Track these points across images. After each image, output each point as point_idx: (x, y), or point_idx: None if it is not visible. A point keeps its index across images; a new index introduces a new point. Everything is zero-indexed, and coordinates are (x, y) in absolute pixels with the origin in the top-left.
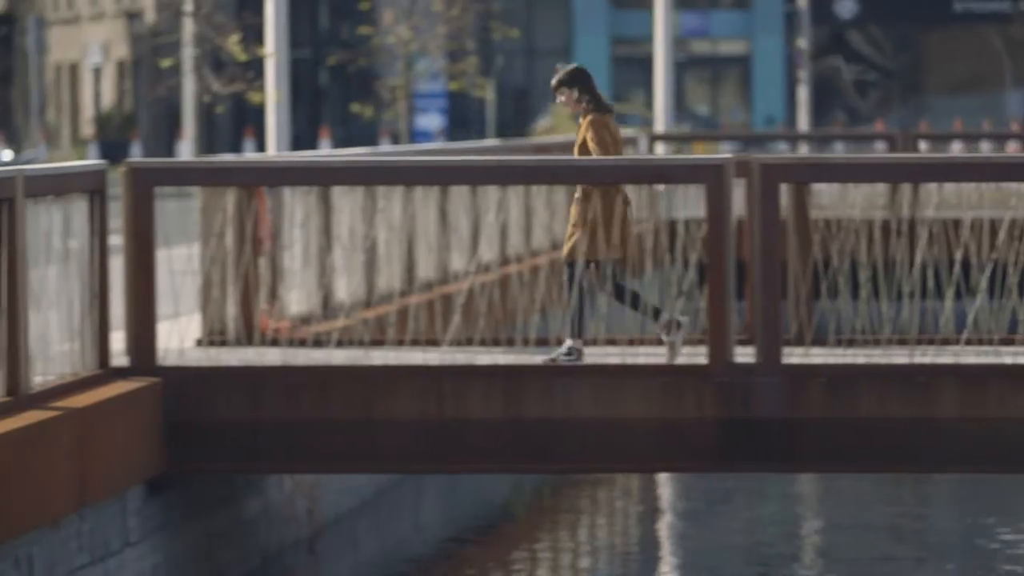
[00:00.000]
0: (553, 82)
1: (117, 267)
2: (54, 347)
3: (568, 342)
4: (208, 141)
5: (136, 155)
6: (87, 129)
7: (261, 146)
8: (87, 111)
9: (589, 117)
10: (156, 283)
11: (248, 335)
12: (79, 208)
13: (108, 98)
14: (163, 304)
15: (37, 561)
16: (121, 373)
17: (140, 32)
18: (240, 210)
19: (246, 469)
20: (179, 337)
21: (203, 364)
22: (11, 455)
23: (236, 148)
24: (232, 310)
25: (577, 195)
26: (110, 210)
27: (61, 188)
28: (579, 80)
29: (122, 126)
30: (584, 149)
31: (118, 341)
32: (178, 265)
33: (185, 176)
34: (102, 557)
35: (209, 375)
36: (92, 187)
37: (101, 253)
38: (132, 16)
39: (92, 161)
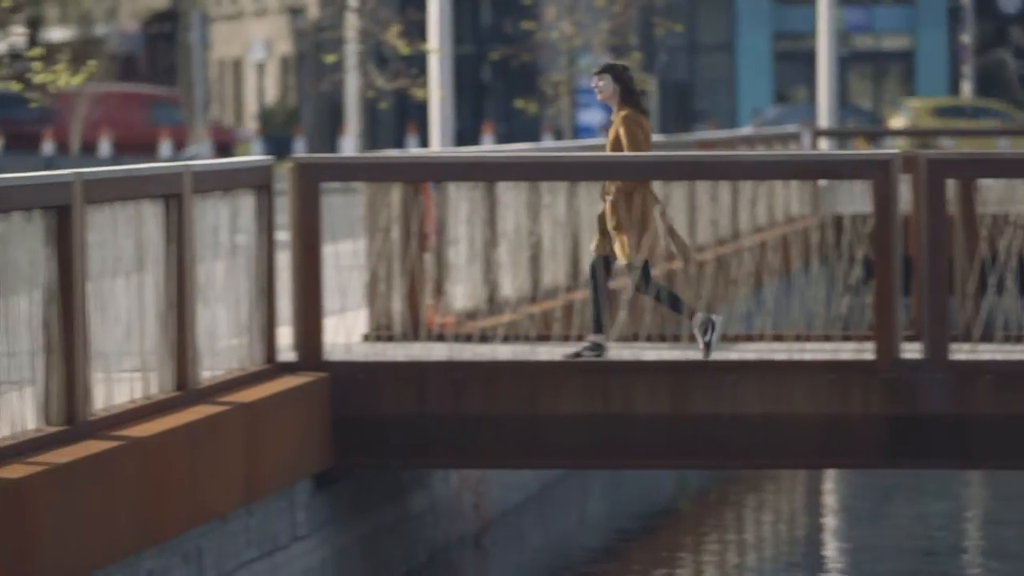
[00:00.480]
0: (599, 67)
1: (284, 262)
2: (222, 342)
3: (591, 337)
4: (371, 137)
5: (299, 151)
6: (251, 125)
7: (424, 142)
8: (250, 107)
9: (623, 113)
10: (322, 278)
11: (414, 330)
12: (246, 203)
13: (271, 94)
14: (330, 299)
15: (206, 555)
16: (288, 368)
17: (303, 28)
18: (406, 205)
19: (412, 464)
20: (346, 332)
21: (369, 359)
22: (180, 450)
23: (399, 144)
24: (398, 305)
25: (610, 196)
26: (276, 205)
27: (228, 183)
28: (620, 72)
29: (285, 122)
30: (617, 145)
31: (285, 336)
32: (344, 260)
33: (351, 172)
34: (270, 551)
35: (375, 370)
36: (259, 183)
37: (268, 248)
38: (295, 12)
39: (257, 157)
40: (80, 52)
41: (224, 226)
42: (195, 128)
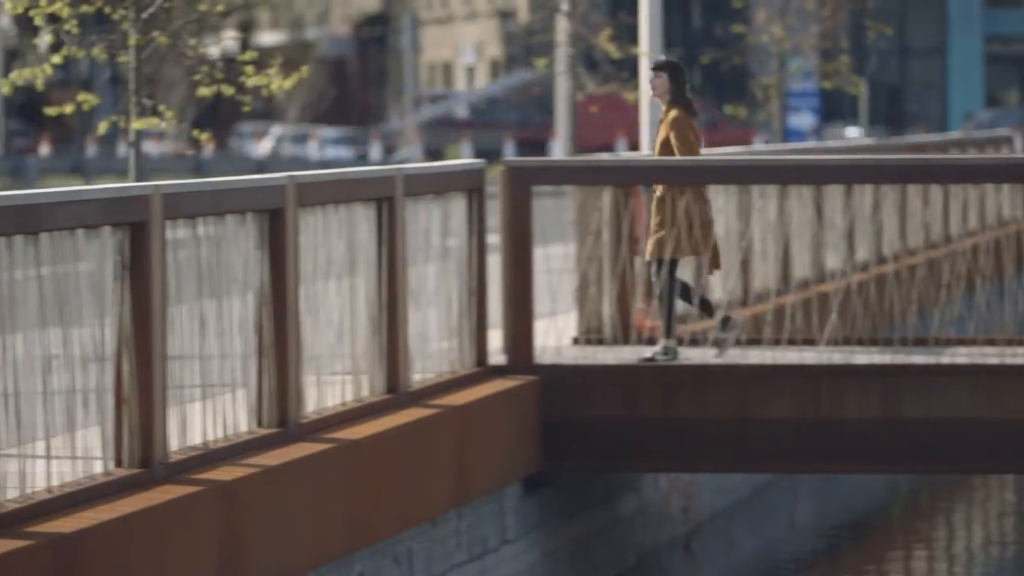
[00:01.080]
0: (655, 63)
1: (494, 265)
2: (432, 345)
3: (662, 342)
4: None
5: (509, 154)
6: None
7: (634, 145)
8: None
9: (673, 114)
10: (533, 281)
11: (624, 334)
12: (457, 206)
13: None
14: (540, 302)
15: (416, 558)
16: (498, 371)
17: (513, 31)
18: (616, 209)
19: (622, 468)
20: (556, 335)
21: (579, 362)
22: (391, 452)
23: (608, 148)
24: (608, 309)
25: (658, 194)
26: (487, 208)
27: (440, 186)
28: (676, 72)
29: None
30: (667, 147)
31: (495, 339)
32: (555, 263)
33: (562, 175)
34: (480, 554)
35: (585, 373)
36: (470, 185)
37: (479, 251)
38: (505, 15)
39: (468, 160)
40: (291, 56)
41: (435, 229)
42: (405, 132)
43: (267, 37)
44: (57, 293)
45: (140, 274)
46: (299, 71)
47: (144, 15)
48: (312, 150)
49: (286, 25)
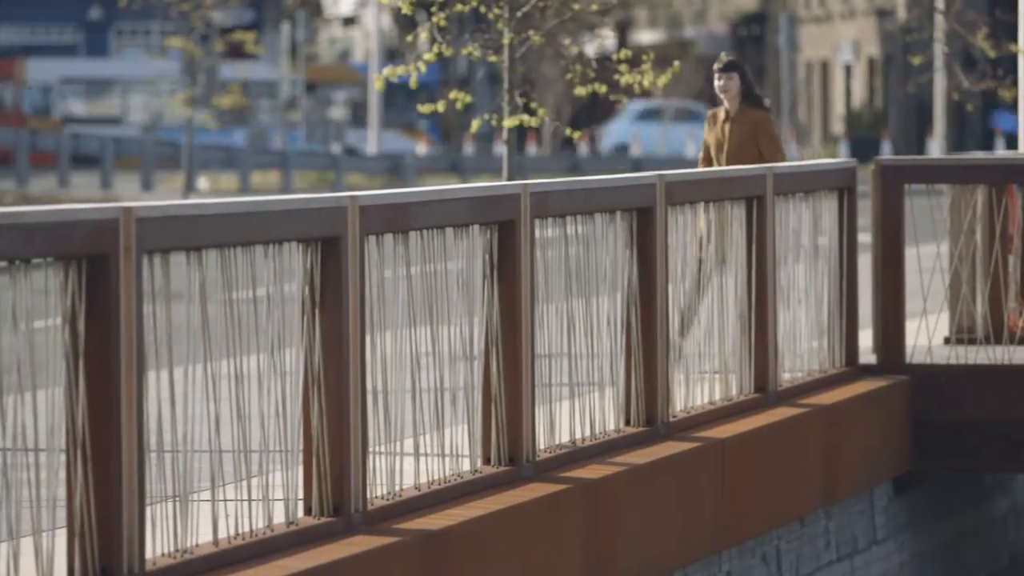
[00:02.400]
0: (722, 63)
1: (864, 265)
2: (802, 344)
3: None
4: (959, 139)
5: (886, 153)
6: (837, 127)
7: (1012, 143)
8: (837, 109)
9: (754, 114)
10: (904, 281)
11: (997, 334)
12: (828, 206)
13: (858, 96)
14: (911, 302)
15: (784, 557)
16: (868, 371)
17: (890, 29)
18: (990, 207)
19: (994, 469)
20: (927, 335)
21: (951, 362)
22: (759, 451)
23: (987, 146)
24: (981, 308)
25: None
26: (858, 207)
27: (810, 185)
28: (745, 71)
29: (872, 124)
30: (748, 149)
31: (864, 339)
32: (926, 263)
33: (934, 174)
34: (848, 554)
35: (957, 373)
36: (841, 185)
37: (850, 251)
38: (883, 14)
39: (842, 159)
40: (666, 54)
41: (806, 228)
42: (781, 130)
43: (645, 36)
44: (426, 291)
45: (508, 273)
46: (672, 68)
47: (518, 14)
48: (691, 148)
49: (664, 24)
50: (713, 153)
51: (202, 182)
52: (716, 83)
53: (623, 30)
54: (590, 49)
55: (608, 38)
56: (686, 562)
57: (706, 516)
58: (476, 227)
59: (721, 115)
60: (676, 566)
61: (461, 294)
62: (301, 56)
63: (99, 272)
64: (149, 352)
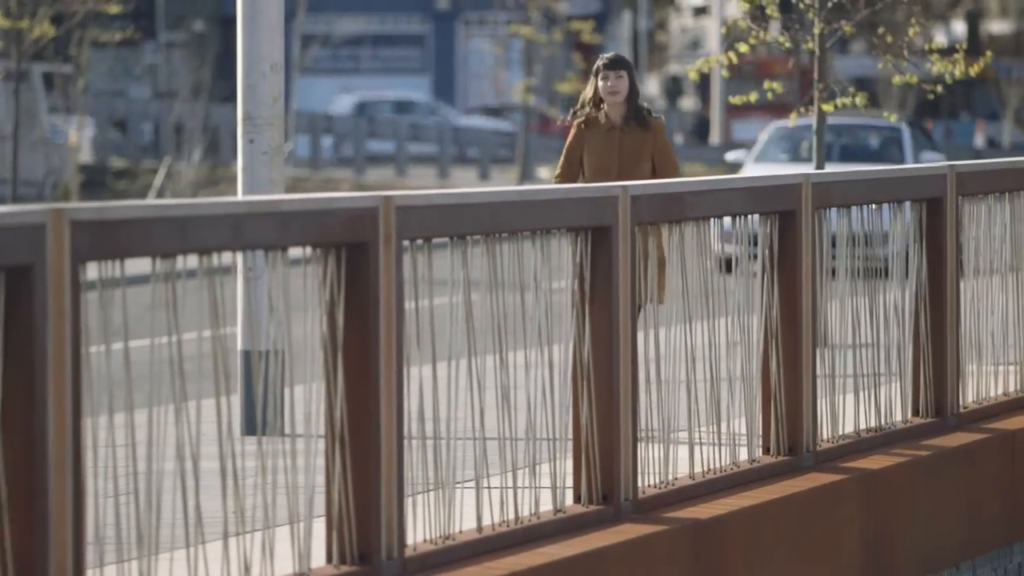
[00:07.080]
0: (611, 59)
1: None
2: None
3: None
4: None
5: None
6: None
7: None
8: None
9: (655, 121)
10: None
11: None
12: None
13: None
14: None
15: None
16: None
17: None
18: None
19: None
20: None
21: None
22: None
23: None
24: None
25: None
26: None
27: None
28: (633, 71)
29: None
30: (644, 165)
31: None
32: None
33: None
34: None
35: None
36: None
37: None
38: None
39: None
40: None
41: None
42: None
43: (995, 26)
44: (702, 282)
45: (789, 263)
46: (984, 57)
47: (829, 4)
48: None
49: (1015, 14)
50: (592, 167)
51: (542, 172)
52: (601, 83)
53: (973, 20)
54: (942, 39)
55: (957, 29)
56: (974, 553)
57: (995, 508)
58: (756, 216)
59: (603, 121)
60: (962, 557)
61: (740, 285)
62: (643, 44)
63: (359, 260)
64: (411, 343)
